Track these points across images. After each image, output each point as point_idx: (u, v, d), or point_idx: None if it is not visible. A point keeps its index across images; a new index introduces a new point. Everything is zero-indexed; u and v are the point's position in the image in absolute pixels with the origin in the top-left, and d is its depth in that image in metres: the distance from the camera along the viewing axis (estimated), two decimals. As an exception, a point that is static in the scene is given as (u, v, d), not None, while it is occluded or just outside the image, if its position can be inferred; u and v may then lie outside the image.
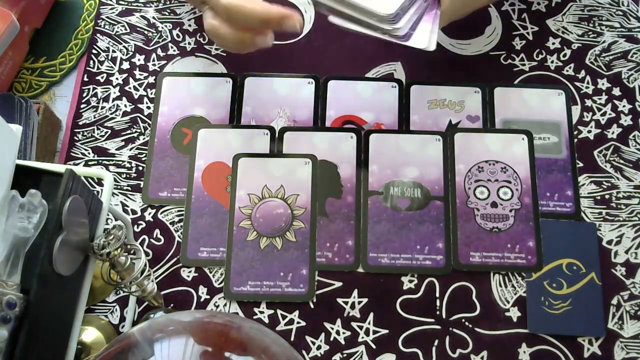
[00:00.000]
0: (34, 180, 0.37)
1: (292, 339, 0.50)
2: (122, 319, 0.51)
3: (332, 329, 0.50)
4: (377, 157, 0.55)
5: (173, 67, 0.59)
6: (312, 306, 0.51)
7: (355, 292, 0.51)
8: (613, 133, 0.57)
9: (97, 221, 0.40)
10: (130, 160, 0.56)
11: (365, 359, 0.50)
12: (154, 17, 0.61)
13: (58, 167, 0.37)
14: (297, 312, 0.51)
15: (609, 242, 0.53)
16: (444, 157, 0.55)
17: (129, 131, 0.57)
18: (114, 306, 0.51)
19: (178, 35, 0.60)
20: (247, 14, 0.46)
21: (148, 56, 0.59)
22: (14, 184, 0.34)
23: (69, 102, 0.58)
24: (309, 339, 0.50)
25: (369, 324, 0.51)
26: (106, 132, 0.57)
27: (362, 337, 0.50)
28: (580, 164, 0.56)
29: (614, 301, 0.51)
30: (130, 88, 0.58)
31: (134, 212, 0.54)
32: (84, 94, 0.58)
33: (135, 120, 0.57)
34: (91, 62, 0.59)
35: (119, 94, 0.58)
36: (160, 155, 0.55)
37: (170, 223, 0.53)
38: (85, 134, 0.56)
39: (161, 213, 0.54)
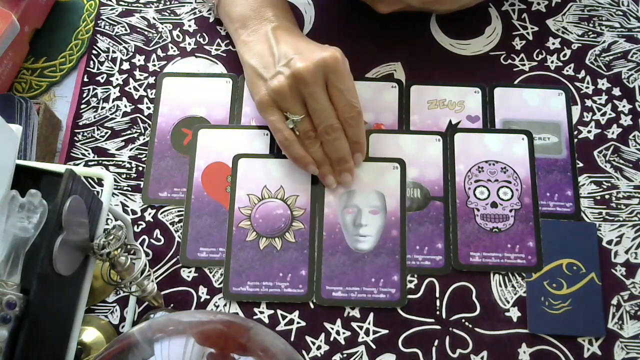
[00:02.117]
0: (34, 180, 0.37)
1: (292, 339, 0.50)
2: (122, 319, 0.51)
3: (332, 329, 0.50)
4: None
5: (173, 67, 0.59)
6: (312, 306, 0.51)
7: (355, 292, 0.52)
8: (613, 133, 0.57)
9: (97, 221, 0.40)
10: (130, 161, 0.56)
11: (365, 359, 0.50)
12: (154, 18, 0.61)
13: (58, 167, 0.37)
14: (297, 312, 0.51)
15: (609, 242, 0.53)
16: (443, 157, 0.55)
17: (129, 131, 0.57)
18: (114, 306, 0.51)
19: (178, 36, 0.60)
20: (363, 130, 0.51)
21: (148, 57, 0.59)
22: (14, 184, 0.34)
23: (69, 102, 0.58)
24: (309, 339, 0.50)
25: (369, 324, 0.51)
26: (106, 133, 0.57)
27: (362, 337, 0.50)
28: (580, 164, 0.55)
29: (614, 301, 0.51)
30: (130, 88, 0.58)
31: (134, 212, 0.54)
32: (84, 95, 0.58)
33: (135, 121, 0.57)
34: (91, 62, 0.59)
35: (119, 94, 0.58)
36: (160, 156, 0.55)
37: (170, 223, 0.53)
38: (85, 134, 0.56)
39: (161, 213, 0.54)
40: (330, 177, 0.52)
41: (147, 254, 0.52)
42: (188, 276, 0.52)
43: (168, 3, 0.62)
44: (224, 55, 0.59)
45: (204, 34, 0.60)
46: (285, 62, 0.48)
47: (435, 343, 0.50)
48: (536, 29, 0.61)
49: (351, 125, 0.50)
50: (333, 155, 0.51)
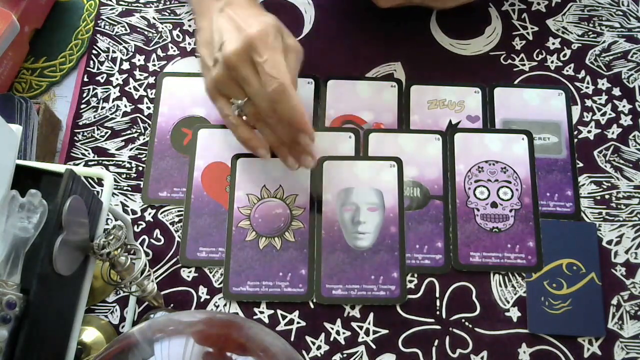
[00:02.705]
0: (34, 180, 0.37)
1: (292, 339, 0.50)
2: (122, 319, 0.51)
3: (332, 329, 0.50)
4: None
5: (173, 67, 0.59)
6: (312, 306, 0.51)
7: (355, 292, 0.52)
8: (613, 133, 0.57)
9: (97, 221, 0.40)
10: (130, 161, 0.56)
11: (365, 359, 0.50)
12: (154, 18, 0.61)
13: (58, 167, 0.37)
14: (297, 312, 0.51)
15: (609, 242, 0.53)
16: (443, 156, 0.55)
17: (129, 131, 0.57)
18: (114, 306, 0.51)
19: (178, 36, 0.60)
20: (293, 106, 0.46)
21: (148, 56, 0.59)
22: (14, 184, 0.34)
23: (69, 102, 0.58)
24: (309, 339, 0.50)
25: (369, 324, 0.51)
26: (106, 133, 0.57)
27: (362, 337, 0.50)
28: (580, 164, 0.56)
29: (614, 301, 0.51)
30: (130, 88, 0.58)
31: (134, 212, 0.54)
32: (84, 94, 0.58)
33: (135, 121, 0.57)
34: (91, 62, 0.59)
35: (119, 94, 0.58)
36: (160, 155, 0.55)
37: (170, 223, 0.53)
38: (85, 134, 0.56)
39: (161, 213, 0.54)
40: (290, 159, 0.50)
41: (147, 254, 0.52)
42: (188, 276, 0.52)
43: (168, 3, 0.62)
44: (224, 55, 0.59)
45: (204, 34, 0.60)
46: (219, 47, 0.47)
47: (435, 343, 0.50)
48: (536, 29, 0.61)
49: (276, 101, 0.46)
50: (283, 138, 0.49)
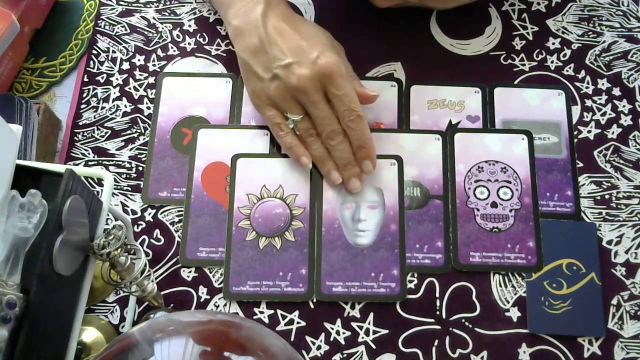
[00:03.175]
0: (34, 180, 0.37)
1: (292, 339, 0.50)
2: (122, 319, 0.51)
3: (332, 329, 0.50)
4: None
5: (173, 67, 0.59)
6: (312, 306, 0.51)
7: (355, 292, 0.52)
8: (613, 133, 0.57)
9: (97, 221, 0.40)
10: (130, 161, 0.56)
11: (365, 359, 0.50)
12: (154, 18, 0.61)
13: (58, 167, 0.37)
14: (297, 312, 0.51)
15: (609, 242, 0.53)
16: (443, 155, 0.55)
17: (129, 131, 0.57)
18: (114, 306, 0.51)
19: (178, 36, 0.60)
20: (368, 135, 0.51)
21: (148, 56, 0.59)
22: (14, 184, 0.34)
23: (69, 102, 0.58)
24: (309, 339, 0.50)
25: (369, 324, 0.51)
26: (106, 133, 0.57)
27: (362, 337, 0.50)
28: (580, 164, 0.56)
29: (614, 301, 0.51)
30: (130, 88, 0.58)
31: (134, 212, 0.54)
32: (84, 95, 0.58)
33: (135, 121, 0.57)
34: (91, 62, 0.59)
35: (119, 94, 0.58)
36: (160, 156, 0.55)
37: (170, 223, 0.53)
38: (85, 134, 0.56)
39: (161, 213, 0.54)
40: (334, 173, 0.52)
41: (147, 254, 0.52)
42: (188, 276, 0.52)
43: (168, 3, 0.62)
44: (224, 55, 0.59)
45: (204, 34, 0.60)
46: (282, 65, 0.49)
47: (435, 343, 0.50)
48: (536, 29, 0.61)
49: (352, 129, 0.50)
50: (339, 160, 0.52)
